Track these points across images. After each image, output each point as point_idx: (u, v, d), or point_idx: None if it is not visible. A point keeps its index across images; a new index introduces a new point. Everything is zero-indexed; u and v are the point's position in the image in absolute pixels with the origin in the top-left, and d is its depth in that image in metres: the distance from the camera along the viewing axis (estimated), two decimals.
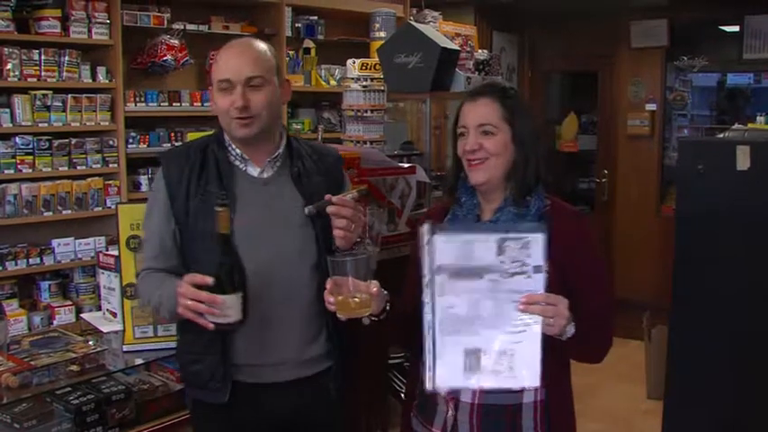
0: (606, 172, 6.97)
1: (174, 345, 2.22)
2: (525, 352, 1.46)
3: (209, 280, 1.61)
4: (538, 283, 1.46)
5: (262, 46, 1.90)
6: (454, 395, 1.68)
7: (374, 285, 1.61)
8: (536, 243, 1.45)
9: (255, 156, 1.92)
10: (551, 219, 1.70)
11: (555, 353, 1.59)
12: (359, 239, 1.78)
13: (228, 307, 1.62)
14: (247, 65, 1.83)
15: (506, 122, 1.69)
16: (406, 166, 3.23)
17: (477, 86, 1.84)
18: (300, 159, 1.96)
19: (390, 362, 3.43)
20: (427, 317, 1.48)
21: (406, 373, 3.41)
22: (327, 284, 1.60)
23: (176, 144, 4.61)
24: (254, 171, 1.92)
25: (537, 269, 1.46)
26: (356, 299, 1.60)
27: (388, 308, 1.68)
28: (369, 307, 1.62)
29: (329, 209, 1.73)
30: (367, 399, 2.63)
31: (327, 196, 1.75)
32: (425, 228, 1.48)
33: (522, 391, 1.65)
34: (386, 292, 1.66)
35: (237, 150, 1.91)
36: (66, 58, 4.23)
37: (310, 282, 1.83)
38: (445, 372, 1.48)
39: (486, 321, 1.47)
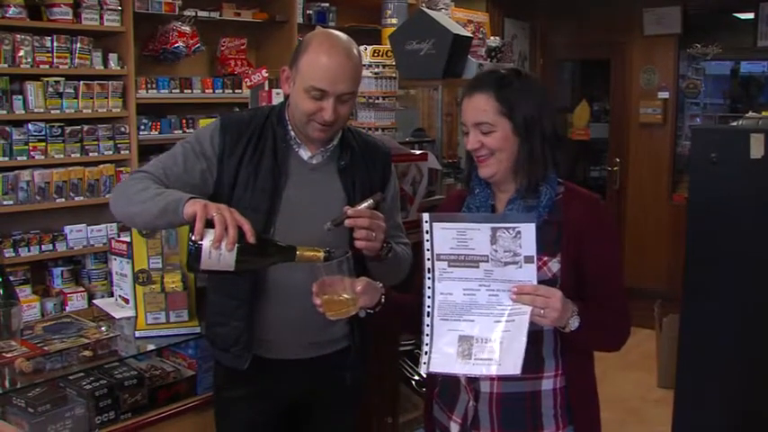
0: (618, 160, 6.94)
1: (186, 330, 2.29)
2: (512, 341, 1.48)
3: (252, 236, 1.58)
4: (529, 273, 1.48)
5: (357, 53, 1.87)
6: (474, 385, 1.69)
7: (359, 284, 1.63)
8: (527, 233, 1.46)
9: (311, 143, 1.94)
10: (565, 206, 1.68)
11: (570, 343, 1.62)
12: (385, 244, 1.79)
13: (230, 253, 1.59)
14: (346, 80, 1.81)
15: (503, 116, 1.65)
16: (418, 152, 3.19)
17: (474, 78, 1.82)
18: (350, 151, 1.98)
19: (401, 348, 3.37)
20: (427, 302, 1.54)
21: (416, 360, 3.44)
22: (314, 287, 1.63)
23: (188, 131, 4.64)
24: (304, 154, 1.93)
25: (528, 259, 1.47)
26: (341, 299, 1.62)
27: (383, 300, 1.69)
28: (355, 306, 1.64)
29: (347, 222, 1.74)
30: (377, 385, 2.61)
31: (345, 208, 1.75)
32: (425, 216, 1.53)
33: (540, 377, 1.66)
34: (380, 284, 1.69)
35: (293, 133, 1.93)
36: (78, 44, 4.24)
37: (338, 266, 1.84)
38: (440, 357, 1.52)
39: (481, 309, 1.51)
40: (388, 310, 1.71)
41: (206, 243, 1.56)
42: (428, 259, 1.54)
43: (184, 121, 4.78)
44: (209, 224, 1.57)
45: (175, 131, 4.71)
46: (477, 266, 1.50)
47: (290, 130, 1.93)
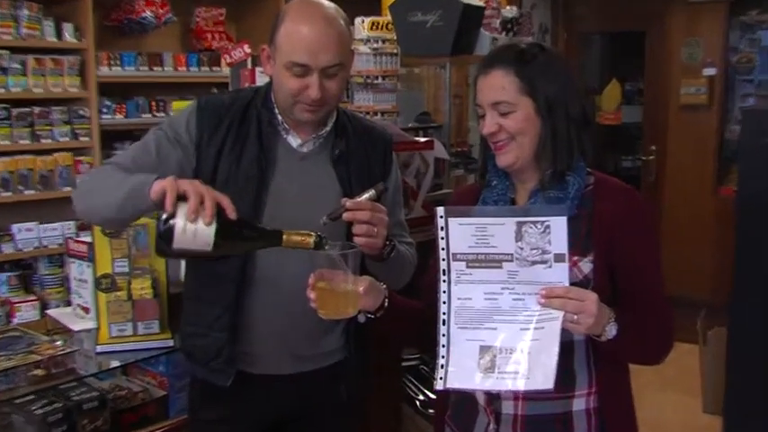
0: (654, 148, 6.94)
1: (156, 344, 2.28)
2: (542, 351, 1.49)
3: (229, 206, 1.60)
4: (559, 273, 1.49)
5: (341, 19, 1.89)
6: (494, 406, 1.69)
7: (363, 282, 1.64)
8: (557, 227, 1.48)
9: (300, 128, 1.96)
10: (596, 198, 1.70)
11: (606, 354, 1.62)
12: (388, 242, 1.81)
13: (205, 235, 1.58)
14: (329, 50, 1.83)
15: (525, 95, 1.66)
16: (423, 140, 3.21)
17: (490, 52, 1.80)
18: (345, 138, 2.00)
19: (405, 364, 3.46)
20: (442, 309, 1.55)
21: (422, 378, 3.49)
22: (310, 279, 1.64)
23: (159, 116, 4.62)
24: (294, 141, 1.96)
25: (558, 258, 1.49)
26: (340, 294, 1.63)
27: (386, 304, 1.70)
28: (355, 306, 1.64)
29: (345, 215, 1.74)
30: (377, 405, 2.62)
31: (343, 200, 1.76)
32: (440, 210, 1.54)
33: (571, 396, 1.67)
34: (383, 286, 1.70)
35: (280, 117, 1.95)
36: (26, 11, 4.20)
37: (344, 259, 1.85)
38: (458, 370, 1.54)
39: (505, 315, 1.52)
40: (392, 317, 1.71)
41: (179, 220, 1.55)
42: (443, 260, 1.56)
43: (154, 103, 4.78)
44: (182, 200, 1.57)
45: (143, 115, 4.72)
46: (500, 267, 1.52)
47: (276, 115, 1.95)
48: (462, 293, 1.55)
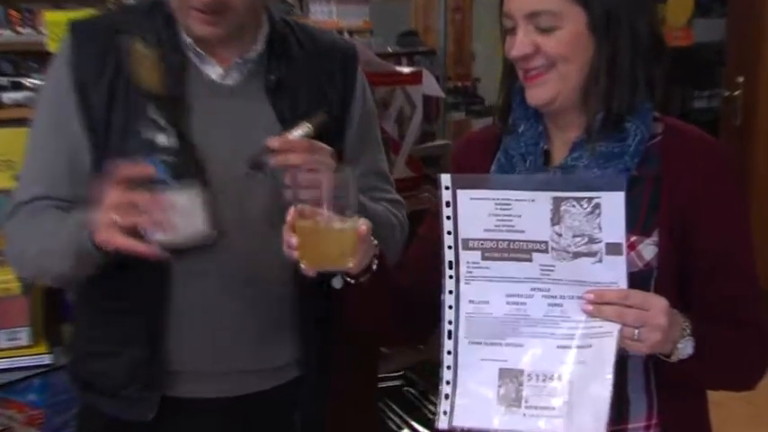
0: (742, 80, 6.78)
1: (26, 362, 2.25)
2: (590, 380, 1.47)
3: (149, 170, 1.63)
4: (613, 270, 1.45)
5: None
6: None
7: (363, 222, 1.57)
8: (612, 206, 1.42)
9: (218, 52, 1.90)
10: (666, 155, 1.63)
11: (675, 377, 1.58)
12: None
13: (182, 210, 1.64)
14: None
15: (576, 3, 1.58)
16: (407, 71, 3.16)
17: None
18: (285, 59, 1.95)
19: (382, 385, 3.43)
20: (447, 316, 1.53)
21: (406, 404, 3.47)
22: (288, 216, 1.57)
23: (21, 31, 4.60)
24: (213, 72, 1.90)
25: (612, 249, 1.44)
26: (333, 233, 1.57)
27: (374, 266, 1.64)
28: (352, 256, 1.57)
29: (272, 161, 1.73)
30: None
31: (270, 140, 1.74)
32: (445, 179, 1.52)
33: (624, 430, 1.63)
34: (375, 242, 1.64)
35: (190, 39, 1.89)
36: None
37: (279, 253, 1.73)
38: (469, 403, 1.52)
39: (536, 327, 1.50)
40: (377, 289, 1.66)
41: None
42: (449, 247, 1.53)
43: (14, 13, 4.73)
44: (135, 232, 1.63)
45: (2, 31, 4.68)
46: (530, 259, 1.48)
47: (184, 37, 1.88)
48: (476, 295, 1.52)
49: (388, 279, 1.69)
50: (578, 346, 1.47)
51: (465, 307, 1.53)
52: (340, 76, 1.99)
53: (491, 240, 1.50)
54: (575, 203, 1.44)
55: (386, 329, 1.95)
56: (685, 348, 1.50)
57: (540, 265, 1.48)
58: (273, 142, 1.71)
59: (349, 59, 2.02)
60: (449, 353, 1.53)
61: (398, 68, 3.24)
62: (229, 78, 1.89)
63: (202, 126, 1.83)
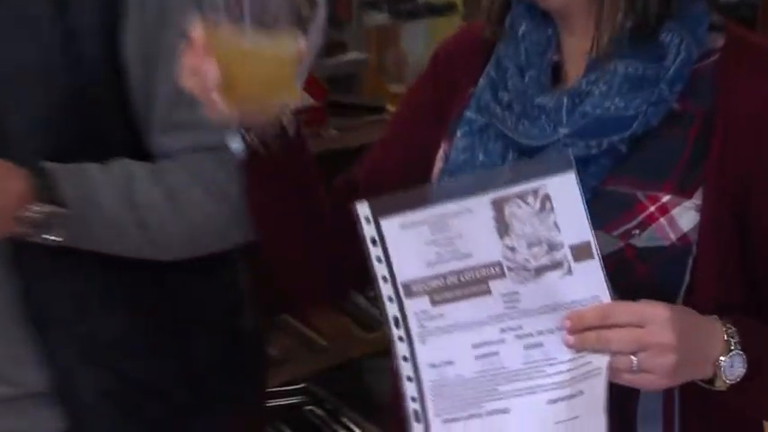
0: None
1: None
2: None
3: None
4: (589, 279, 1.28)
5: None
6: None
7: (301, 39, 1.37)
8: (563, 195, 1.27)
9: None
10: (723, 82, 1.38)
11: (718, 405, 1.38)
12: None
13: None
14: None
15: None
16: None
17: None
18: None
19: (274, 403, 3.08)
20: (409, 392, 1.40)
21: (308, 427, 3.24)
22: (193, 32, 1.33)
23: None
24: None
25: (580, 252, 1.28)
26: (265, 64, 1.36)
27: (290, 130, 1.43)
28: (292, 86, 1.36)
29: None
30: None
31: None
32: (362, 209, 1.37)
33: None
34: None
35: None
36: None
37: None
38: None
39: (517, 381, 1.37)
40: (293, 167, 1.48)
41: None
42: (389, 300, 1.38)
43: None
44: None
45: None
46: (488, 290, 1.34)
47: None
48: (436, 356, 1.39)
49: (307, 157, 1.50)
50: (570, 397, 1.32)
51: (427, 374, 1.40)
52: None
53: (437, 277, 1.36)
54: (519, 203, 1.30)
55: (299, 248, 1.66)
56: (733, 367, 1.30)
57: (502, 294, 1.33)
58: None
59: None
60: None
61: None
62: None
63: None
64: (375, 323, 2.99)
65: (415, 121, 1.59)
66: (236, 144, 1.43)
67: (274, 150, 1.44)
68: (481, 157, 1.47)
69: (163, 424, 1.79)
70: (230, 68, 1.32)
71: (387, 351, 1.44)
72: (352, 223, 1.36)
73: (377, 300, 1.40)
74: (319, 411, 3.23)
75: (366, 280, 1.40)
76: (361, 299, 3.13)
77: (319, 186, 1.55)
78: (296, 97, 1.38)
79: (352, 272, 1.47)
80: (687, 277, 1.32)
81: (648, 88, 1.36)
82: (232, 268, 1.88)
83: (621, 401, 1.33)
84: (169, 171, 1.63)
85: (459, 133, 1.47)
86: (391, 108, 2.83)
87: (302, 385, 3.20)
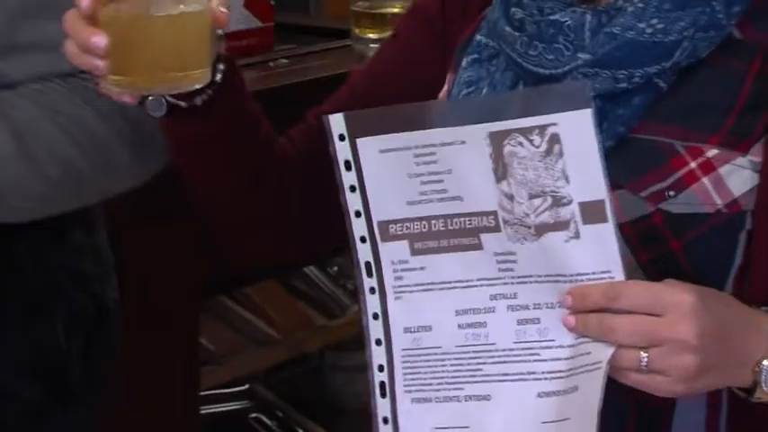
0: None
1: None
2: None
3: None
4: (600, 248, 1.14)
5: None
6: None
7: (218, 2, 1.27)
8: (577, 136, 1.12)
9: None
10: None
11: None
12: None
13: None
14: None
15: None
16: None
17: None
18: None
19: (211, 408, 2.83)
20: (376, 359, 1.30)
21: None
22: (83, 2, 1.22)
23: None
24: None
25: (592, 212, 1.14)
26: (170, 33, 1.24)
27: (219, 77, 1.30)
28: (203, 62, 1.24)
29: None
30: None
31: None
32: (335, 122, 1.26)
33: None
34: (220, 31, 1.30)
35: None
36: None
37: None
38: None
39: (506, 362, 1.25)
40: (224, 121, 1.35)
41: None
42: (362, 240, 1.26)
43: None
44: None
45: None
46: (479, 245, 1.20)
47: None
48: (412, 318, 1.26)
49: (243, 104, 1.40)
50: (563, 392, 1.18)
51: (399, 341, 1.26)
52: None
53: (419, 220, 1.25)
54: (521, 140, 1.15)
55: (236, 205, 1.56)
56: None
57: (495, 253, 1.20)
58: None
59: None
60: (384, 421, 1.27)
61: None
62: None
63: None
64: (338, 309, 2.77)
65: (415, 49, 1.46)
66: (153, 103, 1.33)
67: (198, 102, 1.33)
68: (486, 91, 1.35)
69: (6, 428, 1.65)
70: (124, 41, 1.25)
71: (354, 342, 1.31)
72: (326, 167, 1.27)
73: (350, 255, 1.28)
74: (267, 420, 3.00)
75: (341, 239, 1.26)
76: (322, 277, 2.86)
77: (258, 127, 1.43)
78: (206, 75, 1.29)
79: (323, 226, 1.37)
80: (739, 257, 1.16)
81: (697, 6, 1.23)
82: (91, 231, 1.70)
83: (653, 410, 1.27)
84: (13, 106, 1.46)
85: (464, 62, 1.35)
86: (358, 32, 2.58)
87: (246, 387, 2.98)
